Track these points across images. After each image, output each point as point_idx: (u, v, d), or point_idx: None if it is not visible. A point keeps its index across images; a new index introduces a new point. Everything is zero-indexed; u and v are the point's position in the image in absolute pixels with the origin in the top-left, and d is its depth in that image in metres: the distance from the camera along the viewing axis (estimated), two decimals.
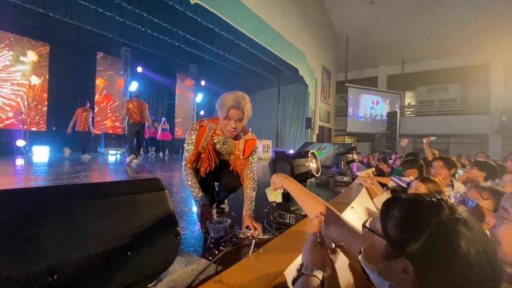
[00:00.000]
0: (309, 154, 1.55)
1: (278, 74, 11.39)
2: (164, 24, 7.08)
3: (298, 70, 10.26)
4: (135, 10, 6.48)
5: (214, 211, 1.89)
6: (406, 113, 15.45)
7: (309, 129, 11.60)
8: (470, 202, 1.16)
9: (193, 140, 1.64)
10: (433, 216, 0.47)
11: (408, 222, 0.50)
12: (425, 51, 13.80)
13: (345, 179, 3.55)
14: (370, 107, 15.02)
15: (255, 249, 0.93)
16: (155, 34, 7.70)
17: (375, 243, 0.54)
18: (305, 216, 1.53)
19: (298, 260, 0.71)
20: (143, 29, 7.44)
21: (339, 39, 14.75)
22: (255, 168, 1.73)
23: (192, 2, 5.85)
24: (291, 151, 11.32)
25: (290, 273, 0.65)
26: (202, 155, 1.66)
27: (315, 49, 12.05)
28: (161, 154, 9.98)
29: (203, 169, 1.68)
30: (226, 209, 2.01)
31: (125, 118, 6.02)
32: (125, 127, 9.60)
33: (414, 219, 0.49)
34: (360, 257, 0.57)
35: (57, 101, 8.30)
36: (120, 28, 7.51)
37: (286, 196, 1.50)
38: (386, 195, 2.04)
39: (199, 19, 6.60)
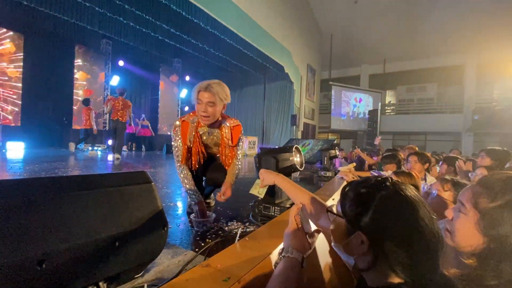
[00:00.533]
0: (293, 149, 1.60)
1: (263, 71, 11.43)
2: (147, 17, 6.90)
3: (283, 68, 10.34)
4: (116, 1, 6.27)
5: None
6: (386, 111, 15.99)
7: (294, 126, 11.75)
8: (433, 192, 1.26)
9: (179, 136, 1.65)
10: (378, 191, 0.54)
11: (359, 199, 0.56)
12: (405, 51, 14.31)
13: (328, 174, 3.65)
14: (353, 105, 15.41)
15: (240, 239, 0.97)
16: (137, 27, 7.49)
17: (338, 224, 0.60)
18: (288, 208, 1.59)
19: (281, 245, 0.75)
20: (124, 21, 7.21)
21: (324, 37, 15.01)
22: (239, 156, 1.78)
23: None
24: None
25: (271, 259, 0.69)
26: (192, 150, 1.66)
27: (300, 47, 12.18)
28: (142, 151, 9.76)
29: (193, 163, 1.69)
30: (212, 204, 2.03)
31: (106, 114, 5.99)
32: (105, 124, 9.31)
33: (363, 196, 0.56)
34: (332, 243, 0.63)
35: (32, 95, 7.90)
36: (100, 20, 7.24)
37: (270, 191, 1.54)
38: None
39: (184, 13, 6.48)
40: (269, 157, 1.57)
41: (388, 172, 2.67)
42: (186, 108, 12.42)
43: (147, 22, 7.24)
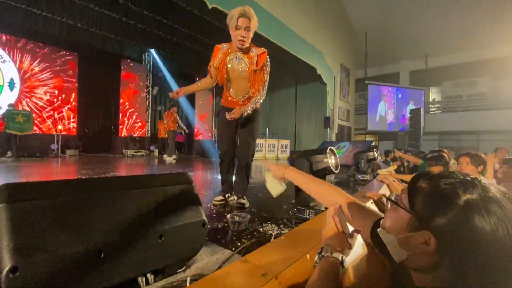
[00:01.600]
0: (328, 151, 1.58)
1: (295, 73, 11.34)
2: (184, 29, 7.32)
3: (315, 69, 10.16)
4: (156, 17, 6.77)
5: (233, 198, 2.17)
6: (431, 109, 14.77)
7: (328, 128, 11.43)
8: None
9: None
10: (465, 193, 0.46)
11: (438, 197, 0.49)
12: (451, 43, 13.12)
13: (366, 177, 3.49)
14: (391, 104, 14.54)
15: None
16: (174, 39, 7.97)
17: (398, 216, 0.54)
18: (324, 211, 1.56)
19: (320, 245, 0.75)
20: (163, 35, 7.73)
21: (358, 35, 14.42)
22: (266, 85, 2.01)
23: (210, 7, 6.00)
24: None
25: (308, 258, 0.69)
26: (219, 71, 1.96)
27: (333, 47, 11.87)
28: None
29: (223, 86, 2.07)
30: (247, 205, 2.07)
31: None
32: (147, 131, 10.02)
33: (444, 195, 0.48)
34: (379, 229, 0.59)
35: (86, 107, 8.83)
36: (142, 35, 7.85)
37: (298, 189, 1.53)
38: None
39: (217, 23, 6.76)
40: (302, 159, 1.56)
41: None
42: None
43: (184, 34, 7.69)
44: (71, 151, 7.50)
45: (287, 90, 12.76)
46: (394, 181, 2.24)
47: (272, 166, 1.11)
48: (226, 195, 2.18)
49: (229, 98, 2.10)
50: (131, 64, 9.60)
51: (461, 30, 12.10)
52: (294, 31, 8.84)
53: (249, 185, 2.28)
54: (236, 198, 2.14)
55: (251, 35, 1.89)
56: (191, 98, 12.07)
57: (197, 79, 11.42)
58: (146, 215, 0.79)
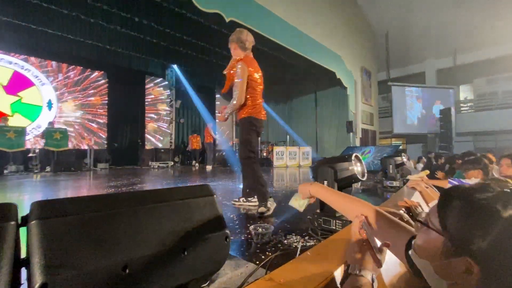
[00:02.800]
0: (353, 157, 1.51)
1: (314, 79, 11.23)
2: (203, 44, 7.58)
3: (335, 73, 9.99)
4: (177, 34, 7.08)
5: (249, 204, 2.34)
6: (462, 109, 13.88)
7: (351, 133, 11.10)
8: None
9: None
10: (506, 209, 0.41)
11: (474, 216, 0.43)
12: (481, 38, 12.33)
13: (395, 184, 3.31)
14: (418, 105, 13.86)
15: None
16: (194, 54, 8.26)
17: (431, 239, 0.49)
18: (351, 222, 1.48)
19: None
20: (184, 51, 8.05)
21: (378, 36, 14.04)
22: (236, 81, 2.21)
23: (227, 20, 6.16)
24: None
25: (336, 276, 0.65)
26: None
27: (352, 50, 11.64)
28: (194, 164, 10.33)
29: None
30: (269, 212, 2.05)
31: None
32: (171, 143, 10.36)
33: (482, 212, 0.42)
34: (410, 252, 0.54)
35: (115, 122, 9.34)
36: (165, 52, 8.23)
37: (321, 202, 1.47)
38: None
39: None
40: (326, 167, 1.51)
41: (472, 179, 2.27)
42: None
43: (203, 48, 7.95)
44: (102, 164, 7.91)
45: (307, 97, 12.65)
46: (427, 187, 2.09)
47: (300, 187, 1.11)
48: (241, 199, 2.40)
49: None
50: (155, 79, 10.06)
51: (490, 23, 11.36)
52: (311, 37, 8.80)
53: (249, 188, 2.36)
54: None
55: (234, 46, 2.40)
56: (211, 109, 12.36)
57: (216, 90, 11.73)
58: (169, 229, 0.79)
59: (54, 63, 8.08)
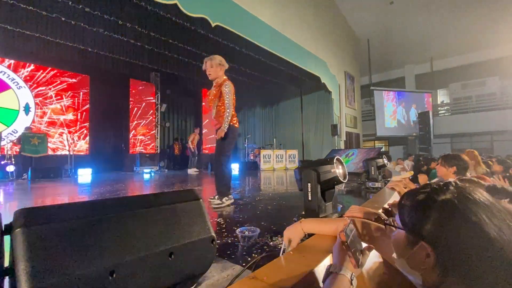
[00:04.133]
0: (335, 160, 1.57)
1: (299, 83, 11.43)
2: (188, 48, 7.55)
3: (319, 78, 10.22)
4: (162, 38, 7.02)
5: (220, 202, 2.58)
6: (439, 112, 14.55)
7: (336, 136, 11.35)
8: None
9: None
10: (439, 195, 0.50)
11: (419, 206, 0.52)
12: (455, 45, 13.06)
13: (377, 185, 3.43)
14: (399, 108, 14.39)
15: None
16: (180, 57, 8.22)
17: (399, 237, 0.56)
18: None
19: (327, 260, 0.74)
20: (169, 54, 7.99)
21: (360, 42, 14.52)
22: (225, 98, 2.63)
23: (213, 25, 6.19)
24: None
25: (316, 273, 0.69)
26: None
27: (336, 56, 11.96)
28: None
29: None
30: (221, 205, 2.53)
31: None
32: (156, 148, 10.19)
33: (422, 201, 0.52)
34: (394, 256, 0.59)
35: (97, 127, 9.09)
36: (149, 56, 8.13)
37: (316, 205, 1.52)
38: None
39: (220, 40, 6.95)
40: (309, 170, 1.56)
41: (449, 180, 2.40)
42: None
43: (189, 52, 7.92)
44: (84, 170, 7.67)
45: (293, 100, 12.83)
46: (405, 188, 2.20)
47: (290, 235, 1.05)
48: (216, 196, 2.66)
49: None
50: (140, 83, 9.89)
51: (464, 31, 12.05)
52: (296, 43, 8.98)
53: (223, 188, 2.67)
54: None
55: (214, 69, 2.71)
56: (198, 113, 12.28)
57: (202, 95, 11.67)
58: (156, 234, 0.80)
59: (32, 65, 7.79)
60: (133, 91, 9.60)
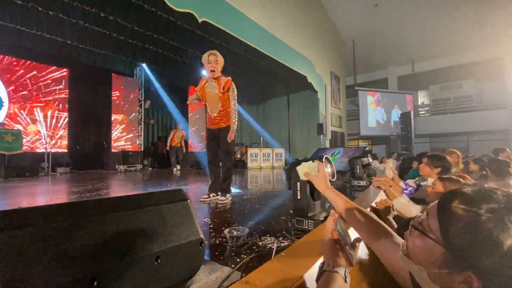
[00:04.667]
0: (324, 159, 1.57)
1: (286, 82, 11.48)
2: (174, 43, 7.38)
3: (306, 77, 10.31)
4: (146, 32, 6.81)
5: (224, 199, 2.69)
6: (420, 112, 15.10)
7: (322, 135, 11.51)
8: None
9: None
10: None
11: (483, 231, 0.40)
12: (435, 49, 13.57)
13: (362, 183, 3.50)
14: (382, 108, 14.80)
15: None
16: (165, 53, 8.01)
17: (428, 246, 0.47)
18: (323, 221, 1.54)
19: (319, 261, 0.73)
20: (154, 49, 7.77)
21: (346, 43, 14.79)
22: (233, 102, 2.77)
23: (199, 21, 6.07)
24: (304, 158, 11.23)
25: (310, 275, 0.67)
26: (200, 94, 2.83)
27: (322, 56, 12.11)
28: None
29: (204, 105, 2.95)
30: (225, 202, 2.63)
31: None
32: (140, 145, 9.92)
33: (489, 227, 0.40)
34: (400, 254, 0.55)
35: (77, 123, 8.71)
36: (133, 50, 7.87)
37: (305, 204, 1.52)
38: (405, 197, 2.01)
39: (207, 36, 6.84)
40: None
41: (429, 180, 2.47)
42: None
43: (175, 48, 7.73)
44: (62, 168, 7.33)
45: (279, 99, 12.89)
46: (391, 186, 2.24)
47: (318, 179, 1.19)
48: (211, 194, 2.76)
49: (208, 116, 2.88)
50: (123, 78, 9.57)
51: (444, 36, 12.55)
52: (284, 42, 9.00)
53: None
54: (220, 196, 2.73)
55: (219, 67, 2.73)
56: (183, 110, 12.06)
57: (189, 91, 11.47)
58: (141, 237, 0.76)
59: (6, 58, 7.33)
60: (116, 87, 9.27)
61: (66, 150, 8.23)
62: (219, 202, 2.64)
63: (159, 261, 0.76)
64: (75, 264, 0.62)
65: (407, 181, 3.60)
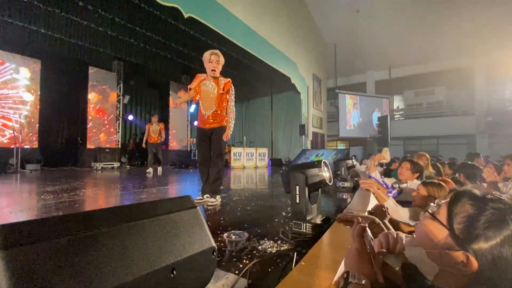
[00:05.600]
0: (322, 164, 1.60)
1: (270, 83, 11.55)
2: (157, 38, 7.14)
3: (290, 79, 10.44)
4: (128, 25, 6.53)
5: (214, 200, 2.65)
6: (395, 116, 15.85)
7: (303, 136, 11.72)
8: None
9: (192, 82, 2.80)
10: None
11: (483, 221, 0.48)
12: (411, 56, 14.31)
13: (346, 185, 3.61)
14: (360, 111, 15.35)
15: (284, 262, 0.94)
16: (147, 47, 7.74)
17: (433, 229, 0.54)
18: (320, 225, 1.57)
19: (340, 270, 0.73)
20: (135, 43, 7.47)
21: (328, 47, 15.17)
22: (232, 103, 2.81)
23: (185, 16, 5.93)
24: (287, 158, 11.37)
25: (337, 281, 0.67)
26: (195, 91, 2.74)
27: (305, 58, 12.32)
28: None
29: (198, 102, 2.78)
30: (215, 204, 2.59)
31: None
32: (117, 142, 9.50)
33: (491, 220, 0.47)
34: (406, 240, 0.59)
35: (49, 117, 8.17)
36: (112, 42, 7.51)
37: (304, 208, 1.53)
38: (392, 200, 2.09)
39: (192, 32, 6.69)
40: (297, 173, 1.57)
41: (409, 183, 2.59)
42: (196, 123, 12.57)
43: (157, 42, 7.49)
44: (32, 165, 6.84)
45: (263, 99, 12.94)
46: (379, 189, 2.33)
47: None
48: (205, 196, 2.70)
49: (201, 115, 2.77)
50: (100, 71, 9.09)
51: (420, 44, 13.26)
52: (269, 42, 9.04)
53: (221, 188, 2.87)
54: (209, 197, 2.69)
55: (220, 67, 2.70)
56: (164, 106, 11.71)
57: (170, 87, 11.15)
58: (156, 248, 0.72)
59: None
60: (92, 80, 8.80)
61: (36, 146, 7.67)
62: (209, 204, 2.59)
63: (174, 273, 0.72)
64: (91, 280, 0.58)
65: (383, 180, 3.76)
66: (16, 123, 7.25)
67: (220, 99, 2.70)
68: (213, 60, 2.63)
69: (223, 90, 2.68)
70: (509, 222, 0.46)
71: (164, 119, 11.74)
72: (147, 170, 6.35)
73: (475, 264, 0.47)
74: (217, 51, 2.67)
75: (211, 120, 2.70)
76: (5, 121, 7.09)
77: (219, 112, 2.71)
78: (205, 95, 2.70)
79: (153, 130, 6.71)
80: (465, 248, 0.48)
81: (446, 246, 0.51)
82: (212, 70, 2.65)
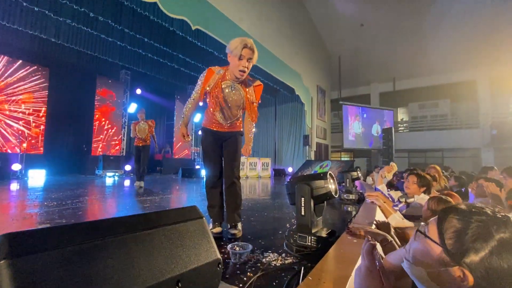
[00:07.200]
0: (328, 176, 1.58)
1: (274, 93, 11.65)
2: (165, 48, 7.29)
3: (294, 89, 10.52)
4: (137, 36, 6.69)
5: (239, 231, 1.93)
6: (399, 129, 15.78)
7: (307, 146, 11.69)
8: None
9: (202, 80, 1.87)
10: (498, 232, 0.48)
11: (470, 233, 0.49)
12: (415, 69, 14.37)
13: (351, 197, 3.56)
14: (364, 123, 15.32)
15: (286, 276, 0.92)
16: (155, 57, 7.89)
17: (427, 248, 0.54)
18: (326, 238, 1.54)
19: (350, 285, 0.71)
20: (143, 53, 7.63)
21: (332, 59, 15.33)
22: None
23: (193, 28, 6.06)
24: (290, 169, 11.32)
25: None
26: (211, 94, 1.88)
27: (309, 69, 12.45)
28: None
29: (212, 106, 1.91)
30: (239, 235, 1.88)
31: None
32: (123, 149, 9.56)
33: (477, 232, 0.49)
34: (405, 261, 0.59)
35: (55, 124, 8.29)
36: (121, 52, 7.69)
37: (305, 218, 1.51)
38: (399, 214, 2.06)
39: (199, 43, 6.82)
40: (303, 185, 1.55)
41: (416, 197, 2.54)
42: (200, 132, 12.65)
43: (164, 53, 7.64)
44: (36, 171, 6.88)
45: (267, 109, 13.01)
46: (384, 202, 2.30)
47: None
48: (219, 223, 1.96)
49: (215, 121, 1.97)
50: (108, 80, 9.27)
51: (424, 57, 13.33)
52: (273, 54, 9.17)
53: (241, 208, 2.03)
54: (228, 226, 1.94)
55: (252, 64, 1.84)
56: (169, 115, 11.83)
57: (176, 97, 11.29)
58: (162, 259, 0.71)
59: None
60: (100, 88, 8.97)
61: (41, 152, 7.75)
62: (230, 236, 1.88)
63: (180, 285, 0.71)
64: None
65: (389, 193, 3.71)
66: (21, 130, 7.36)
67: (250, 110, 1.92)
68: (245, 56, 1.74)
69: (256, 99, 1.92)
70: (493, 233, 0.48)
71: (169, 128, 11.88)
72: (135, 184, 5.08)
73: (470, 278, 0.47)
74: (252, 43, 1.76)
75: (229, 125, 1.99)
76: (9, 126, 7.20)
77: (239, 119, 2.06)
78: (230, 99, 1.88)
79: (140, 129, 5.22)
80: (459, 263, 0.49)
81: (443, 263, 0.51)
82: (241, 71, 1.77)
